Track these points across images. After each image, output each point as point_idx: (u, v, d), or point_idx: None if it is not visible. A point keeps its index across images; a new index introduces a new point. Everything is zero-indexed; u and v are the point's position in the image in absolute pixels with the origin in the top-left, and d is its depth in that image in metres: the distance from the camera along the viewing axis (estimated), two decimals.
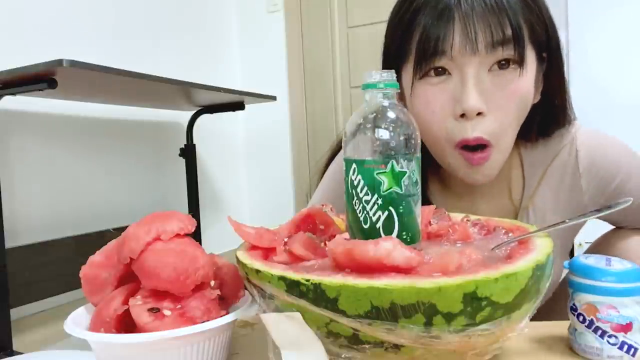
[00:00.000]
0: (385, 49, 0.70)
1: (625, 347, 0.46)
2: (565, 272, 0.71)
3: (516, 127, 0.65)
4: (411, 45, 0.64)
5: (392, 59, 0.68)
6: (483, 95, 0.61)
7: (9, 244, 1.43)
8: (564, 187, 0.71)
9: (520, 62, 0.61)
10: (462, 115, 0.61)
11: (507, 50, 0.60)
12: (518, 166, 0.74)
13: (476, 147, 0.62)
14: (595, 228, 0.78)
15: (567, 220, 0.50)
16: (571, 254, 0.84)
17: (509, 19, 0.59)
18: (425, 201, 0.75)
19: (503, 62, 0.61)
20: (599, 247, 0.77)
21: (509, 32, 0.59)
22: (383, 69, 0.71)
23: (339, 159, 0.82)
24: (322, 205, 0.59)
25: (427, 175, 0.77)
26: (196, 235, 2.07)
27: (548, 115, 0.70)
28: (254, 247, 0.50)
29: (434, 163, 0.71)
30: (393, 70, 0.48)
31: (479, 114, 0.61)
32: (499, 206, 0.75)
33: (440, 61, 0.62)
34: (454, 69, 0.62)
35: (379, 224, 0.46)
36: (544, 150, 0.72)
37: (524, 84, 0.62)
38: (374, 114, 0.47)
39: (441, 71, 0.63)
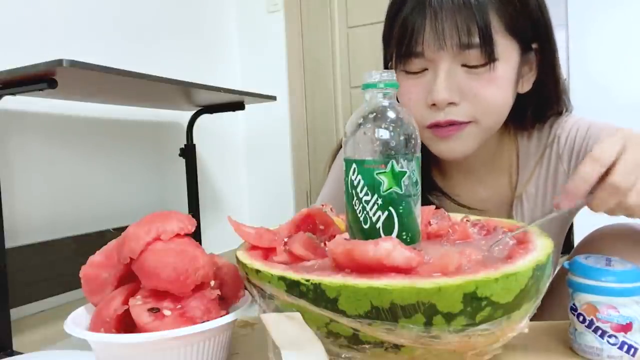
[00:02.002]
0: (383, 34, 0.74)
1: (625, 347, 0.46)
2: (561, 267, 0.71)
3: (500, 110, 0.66)
4: (393, 37, 0.68)
5: (385, 44, 0.73)
6: (455, 87, 0.64)
7: (9, 244, 1.43)
8: (555, 176, 0.73)
9: (489, 61, 0.62)
10: (434, 105, 0.65)
11: (475, 52, 0.62)
12: (514, 154, 0.76)
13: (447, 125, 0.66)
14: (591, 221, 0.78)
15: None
16: (570, 248, 0.84)
17: (477, 20, 0.61)
18: (430, 185, 0.78)
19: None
20: (583, 249, 0.77)
21: (475, 37, 0.61)
22: (384, 57, 0.75)
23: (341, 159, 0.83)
24: (322, 205, 0.59)
25: (429, 161, 0.79)
26: (196, 235, 2.07)
27: (541, 104, 0.72)
28: (254, 247, 0.50)
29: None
30: (393, 70, 0.48)
31: (450, 104, 0.64)
32: (497, 193, 0.77)
33: (416, 60, 0.66)
34: (430, 65, 0.65)
35: (379, 224, 0.46)
36: (538, 140, 0.74)
37: (499, 74, 0.64)
38: (374, 114, 0.47)
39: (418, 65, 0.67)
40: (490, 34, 0.61)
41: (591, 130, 0.71)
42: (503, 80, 0.64)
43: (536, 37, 0.67)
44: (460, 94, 0.64)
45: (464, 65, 0.64)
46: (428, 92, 0.65)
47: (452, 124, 0.65)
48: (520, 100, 0.69)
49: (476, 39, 0.61)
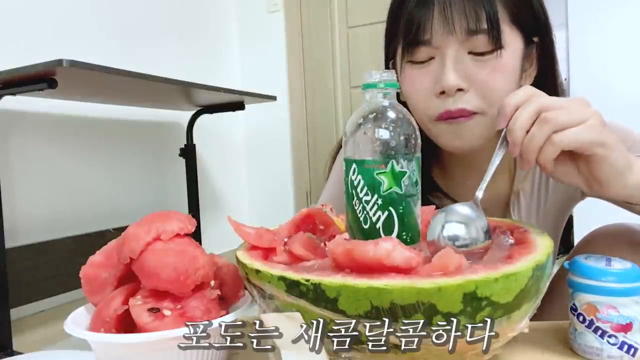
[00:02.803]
0: (385, 31, 0.74)
1: (625, 347, 0.46)
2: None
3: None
4: (399, 30, 0.68)
5: (388, 40, 0.73)
6: (463, 74, 0.64)
7: (9, 244, 1.43)
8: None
9: (496, 48, 0.63)
10: (443, 93, 0.65)
11: (483, 38, 0.63)
12: None
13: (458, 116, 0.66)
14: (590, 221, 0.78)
15: None
16: (570, 249, 0.84)
17: (485, 7, 0.62)
18: (431, 185, 0.78)
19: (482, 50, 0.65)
20: (582, 249, 0.77)
21: (483, 21, 0.62)
22: (385, 54, 0.75)
23: (341, 159, 0.84)
24: (322, 205, 0.59)
25: (430, 161, 0.79)
26: (196, 235, 2.06)
27: None
28: (254, 247, 0.50)
29: (435, 149, 0.73)
30: (393, 70, 0.48)
31: (459, 90, 0.64)
32: (496, 190, 0.77)
33: (423, 49, 0.66)
34: (437, 53, 0.66)
35: (379, 224, 0.46)
36: None
37: (506, 61, 0.65)
38: (374, 114, 0.47)
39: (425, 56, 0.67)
40: (497, 20, 0.63)
41: None
42: (508, 68, 0.65)
43: (537, 31, 0.69)
44: (468, 81, 0.64)
45: (470, 53, 0.64)
46: (435, 80, 0.65)
47: (461, 114, 0.65)
48: None
49: (484, 25, 0.62)
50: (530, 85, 0.71)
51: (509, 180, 0.77)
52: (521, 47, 0.67)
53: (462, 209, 0.50)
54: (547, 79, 0.72)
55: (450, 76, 0.63)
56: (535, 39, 0.69)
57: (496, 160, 0.53)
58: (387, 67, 0.77)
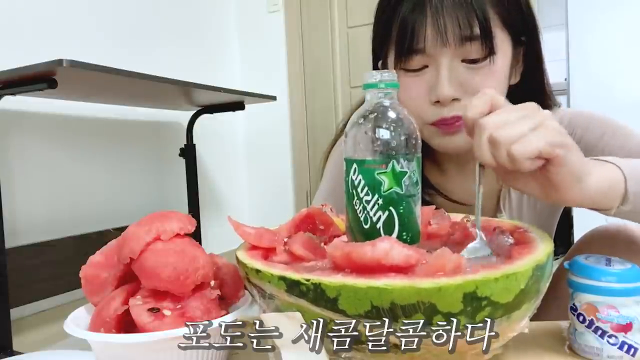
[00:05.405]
0: (373, 34, 0.76)
1: (625, 347, 0.46)
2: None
3: None
4: (392, 36, 0.69)
5: (377, 44, 0.75)
6: (457, 83, 0.65)
7: (9, 244, 1.43)
8: None
9: (489, 54, 0.64)
10: (438, 102, 0.66)
11: (476, 45, 0.64)
12: None
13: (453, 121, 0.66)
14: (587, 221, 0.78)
15: None
16: (569, 245, 0.84)
17: (477, 15, 0.63)
18: (423, 182, 0.78)
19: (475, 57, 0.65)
20: (579, 250, 0.77)
21: (476, 29, 0.63)
22: (372, 53, 0.77)
23: (339, 156, 0.84)
24: (322, 205, 0.59)
25: (423, 157, 0.79)
26: (196, 235, 2.06)
27: (527, 98, 0.72)
28: (254, 247, 0.50)
29: (427, 146, 0.73)
30: (394, 70, 0.48)
31: (454, 100, 0.65)
32: (487, 186, 0.77)
33: (416, 57, 0.66)
34: (430, 61, 0.66)
35: (380, 224, 0.46)
36: None
37: (498, 68, 0.66)
38: (375, 114, 0.47)
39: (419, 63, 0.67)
40: (489, 26, 0.63)
41: (575, 119, 0.72)
42: (500, 74, 0.66)
43: (525, 30, 0.69)
44: (462, 89, 0.65)
45: (464, 61, 0.65)
46: (430, 89, 0.66)
47: (457, 119, 0.65)
48: (509, 95, 0.70)
49: (477, 31, 0.63)
50: (518, 79, 0.71)
51: (495, 177, 0.77)
52: (511, 49, 0.68)
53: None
54: (534, 76, 0.73)
55: (446, 87, 0.64)
56: (523, 38, 0.70)
57: (480, 189, 0.52)
58: (375, 67, 0.77)
